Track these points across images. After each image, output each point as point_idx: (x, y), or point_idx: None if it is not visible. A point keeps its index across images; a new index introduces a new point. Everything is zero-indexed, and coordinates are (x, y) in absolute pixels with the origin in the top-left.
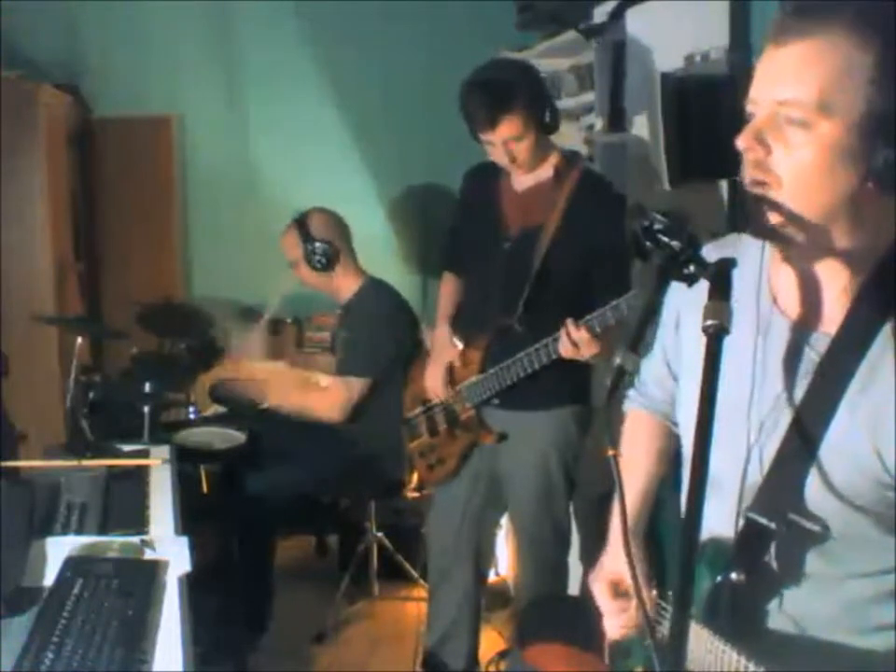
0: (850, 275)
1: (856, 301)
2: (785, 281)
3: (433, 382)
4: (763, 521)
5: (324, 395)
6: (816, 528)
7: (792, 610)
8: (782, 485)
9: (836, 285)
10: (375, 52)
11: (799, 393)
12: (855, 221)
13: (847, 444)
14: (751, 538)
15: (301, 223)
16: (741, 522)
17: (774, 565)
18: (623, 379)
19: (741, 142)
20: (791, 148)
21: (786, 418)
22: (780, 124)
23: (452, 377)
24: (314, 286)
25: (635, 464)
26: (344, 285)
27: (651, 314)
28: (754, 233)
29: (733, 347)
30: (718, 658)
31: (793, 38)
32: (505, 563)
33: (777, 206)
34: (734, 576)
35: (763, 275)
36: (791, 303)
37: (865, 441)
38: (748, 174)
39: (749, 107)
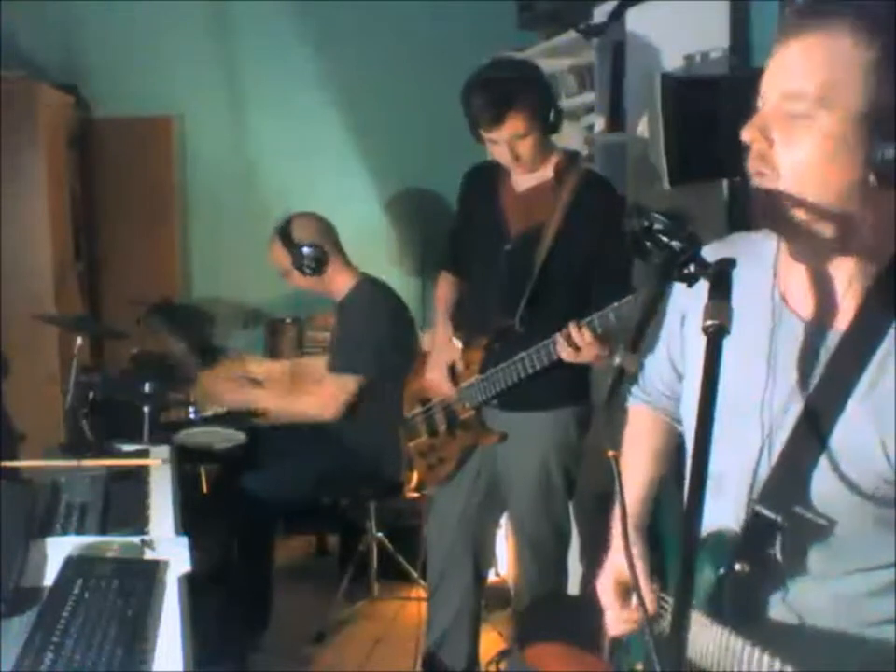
0: (860, 273)
1: (866, 299)
2: (796, 280)
3: (436, 380)
4: (770, 514)
5: (315, 395)
6: (820, 521)
7: (794, 603)
8: (788, 479)
9: (846, 283)
10: (375, 52)
11: (808, 391)
12: (860, 218)
13: (853, 440)
14: (757, 530)
15: (283, 231)
16: (748, 514)
17: (779, 557)
18: (623, 379)
19: (745, 133)
20: (793, 140)
21: (795, 415)
22: (784, 116)
23: (453, 377)
24: (307, 288)
25: (636, 461)
26: (339, 284)
27: (651, 314)
28: (763, 222)
29: (745, 347)
30: (728, 652)
31: (796, 35)
32: (505, 563)
33: (784, 195)
34: (738, 567)
35: (773, 275)
36: (803, 302)
37: (872, 437)
38: (750, 165)
39: (759, 103)
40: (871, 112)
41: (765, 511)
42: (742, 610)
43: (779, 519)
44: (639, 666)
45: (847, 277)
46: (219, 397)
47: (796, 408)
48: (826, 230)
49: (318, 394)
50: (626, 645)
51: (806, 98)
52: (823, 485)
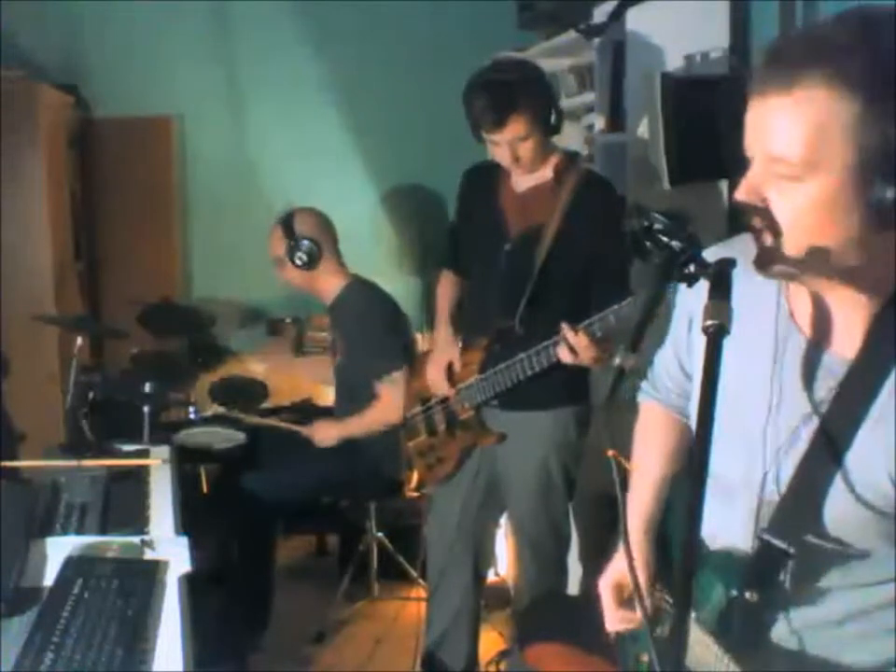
0: (867, 299)
1: (873, 329)
2: (802, 297)
3: (434, 379)
4: (779, 543)
5: (377, 407)
6: (831, 546)
7: (798, 621)
8: (798, 508)
9: (849, 310)
10: (375, 52)
11: (817, 417)
12: (863, 254)
13: (863, 470)
14: (767, 558)
15: (285, 221)
16: (757, 542)
17: (787, 585)
18: (623, 379)
19: (739, 196)
20: (787, 199)
21: (804, 440)
22: (773, 177)
23: (452, 377)
24: (298, 285)
25: (648, 461)
26: (328, 284)
27: (651, 314)
28: (759, 271)
29: (748, 351)
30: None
31: (774, 91)
32: (505, 563)
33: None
34: (748, 595)
35: (780, 290)
36: (809, 321)
37: (881, 468)
38: (751, 223)
39: (747, 152)
40: (861, 162)
41: (776, 541)
42: (750, 635)
43: (789, 548)
44: (645, 657)
45: (849, 305)
46: (329, 440)
47: (806, 432)
48: (824, 274)
49: (380, 404)
50: (634, 635)
51: (793, 163)
52: (839, 507)
